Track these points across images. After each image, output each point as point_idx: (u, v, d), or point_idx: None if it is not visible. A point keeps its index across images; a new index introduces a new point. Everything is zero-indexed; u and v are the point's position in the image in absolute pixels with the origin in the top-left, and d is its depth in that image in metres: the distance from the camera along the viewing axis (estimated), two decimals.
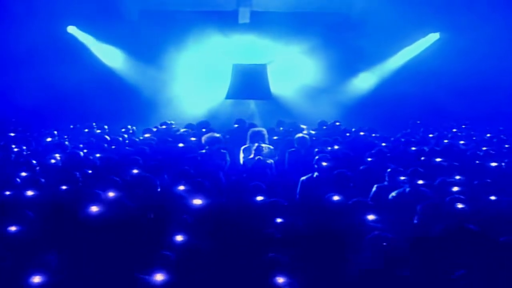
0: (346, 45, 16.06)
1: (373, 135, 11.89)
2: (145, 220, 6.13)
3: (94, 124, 13.90)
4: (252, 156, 9.94)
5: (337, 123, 13.84)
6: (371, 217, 6.18)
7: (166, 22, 16.22)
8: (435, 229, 5.77)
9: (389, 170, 8.00)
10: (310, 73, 16.63)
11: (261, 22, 16.23)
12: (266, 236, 5.70)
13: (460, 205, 6.42)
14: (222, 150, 10.22)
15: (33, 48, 15.55)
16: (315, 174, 8.41)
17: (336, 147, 10.48)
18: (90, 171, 8.28)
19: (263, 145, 10.18)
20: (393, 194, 7.57)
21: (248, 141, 10.61)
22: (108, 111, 15.05)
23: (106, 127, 13.86)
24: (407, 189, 7.56)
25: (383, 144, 11.16)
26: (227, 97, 16.70)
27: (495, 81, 15.57)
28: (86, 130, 13.43)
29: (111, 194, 6.48)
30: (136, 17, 16.69)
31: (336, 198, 6.59)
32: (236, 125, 13.47)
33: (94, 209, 5.87)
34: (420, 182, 7.55)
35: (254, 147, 10.09)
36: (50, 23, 15.64)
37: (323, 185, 7.76)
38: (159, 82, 16.52)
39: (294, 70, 16.78)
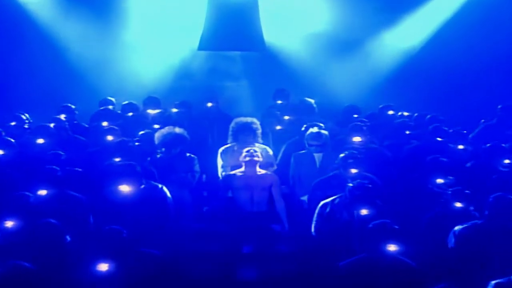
0: None
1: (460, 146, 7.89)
2: None
3: None
4: (243, 169, 7.38)
5: (390, 112, 9.38)
6: None
7: None
8: None
9: None
10: (323, 17, 12.72)
11: None
12: None
13: None
14: (188, 154, 7.89)
15: None
16: None
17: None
18: None
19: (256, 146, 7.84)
20: None
21: (230, 138, 8.29)
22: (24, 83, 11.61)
23: (27, 116, 9.47)
24: None
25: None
26: (200, 47, 12.77)
27: None
28: None
29: None
30: None
31: None
32: (175, 110, 9.73)
33: None
34: None
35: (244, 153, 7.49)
36: None
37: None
38: (103, 30, 12.34)
39: (299, 11, 12.84)
